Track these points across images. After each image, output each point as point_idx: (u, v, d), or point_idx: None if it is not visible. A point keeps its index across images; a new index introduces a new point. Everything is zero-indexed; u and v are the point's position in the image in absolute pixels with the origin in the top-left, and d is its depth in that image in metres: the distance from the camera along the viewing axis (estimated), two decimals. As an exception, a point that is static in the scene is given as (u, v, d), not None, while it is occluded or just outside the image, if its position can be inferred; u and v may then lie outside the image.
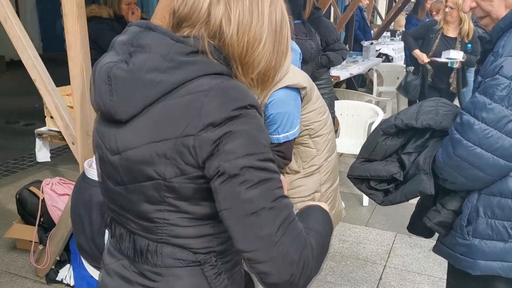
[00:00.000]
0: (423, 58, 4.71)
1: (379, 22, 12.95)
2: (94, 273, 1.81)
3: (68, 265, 3.00)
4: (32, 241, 3.08)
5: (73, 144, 2.78)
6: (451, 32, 4.59)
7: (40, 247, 3.00)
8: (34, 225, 3.11)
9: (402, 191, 1.64)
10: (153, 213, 1.00)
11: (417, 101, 4.18)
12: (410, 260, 3.40)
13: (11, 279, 3.08)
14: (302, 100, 2.15)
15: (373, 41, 8.03)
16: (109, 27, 3.54)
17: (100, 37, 3.39)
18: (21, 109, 7.04)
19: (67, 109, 2.81)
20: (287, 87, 2.05)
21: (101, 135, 1.07)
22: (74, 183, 3.17)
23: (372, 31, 9.36)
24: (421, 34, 4.84)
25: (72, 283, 2.96)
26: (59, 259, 2.99)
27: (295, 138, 2.16)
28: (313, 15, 4.04)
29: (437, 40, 4.66)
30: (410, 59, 6.19)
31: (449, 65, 4.53)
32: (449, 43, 4.62)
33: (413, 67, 6.58)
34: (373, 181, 1.74)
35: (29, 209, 3.22)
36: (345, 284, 3.11)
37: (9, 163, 5.20)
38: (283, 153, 2.16)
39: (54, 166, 5.06)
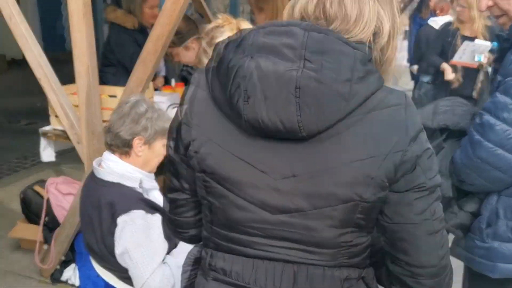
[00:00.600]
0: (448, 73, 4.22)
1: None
2: (103, 273, 1.78)
3: (73, 265, 2.96)
4: (36, 241, 3.05)
5: (78, 143, 2.74)
6: (468, 31, 4.12)
7: (45, 247, 2.97)
8: (39, 224, 3.08)
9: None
10: (337, 238, 0.93)
11: None
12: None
13: (15, 279, 3.05)
14: None
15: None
16: (131, 38, 3.48)
17: (121, 48, 3.36)
18: (23, 108, 7.00)
19: (72, 108, 2.77)
20: None
21: (245, 155, 0.92)
22: (79, 182, 3.15)
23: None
24: (438, 44, 4.45)
25: (77, 283, 2.92)
26: (64, 259, 2.96)
27: None
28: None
29: (458, 41, 4.14)
30: (414, 58, 6.15)
31: (475, 59, 3.84)
32: None
33: (416, 66, 6.56)
34: None
35: (34, 209, 3.19)
36: None
37: (12, 163, 5.17)
38: None
39: (57, 165, 5.01)
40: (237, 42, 0.90)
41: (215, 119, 0.93)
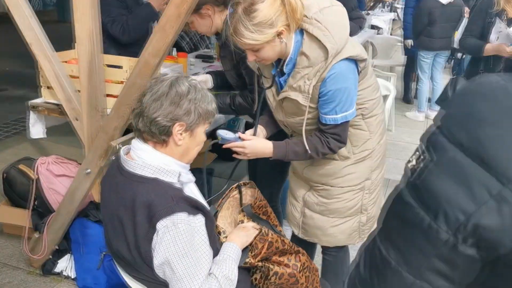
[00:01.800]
0: (505, 49, 3.11)
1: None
2: (132, 283, 1.49)
3: (68, 255, 2.65)
4: (23, 227, 2.72)
5: (76, 119, 2.40)
6: None
7: (36, 234, 2.63)
8: (24, 208, 2.74)
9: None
10: None
11: None
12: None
13: (0, 269, 2.72)
14: (359, 75, 1.86)
15: (369, 12, 7.72)
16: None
17: (104, 7, 2.98)
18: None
19: (69, 79, 2.41)
20: (347, 59, 1.75)
21: None
22: (73, 162, 2.80)
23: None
24: (478, 26, 3.35)
25: (73, 275, 2.63)
26: (57, 248, 2.64)
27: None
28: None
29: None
30: (414, 32, 5.92)
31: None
32: None
33: (410, 40, 6.34)
34: None
35: (19, 190, 2.83)
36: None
37: (-18, 134, 4.71)
38: (339, 136, 1.88)
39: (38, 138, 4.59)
40: None
41: None
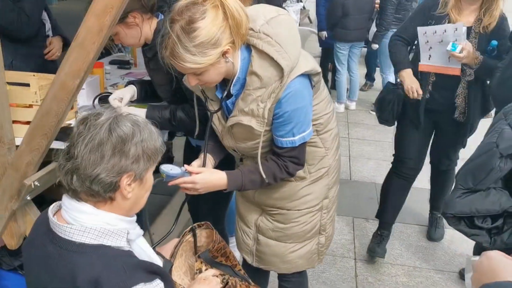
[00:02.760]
0: (415, 91, 2.63)
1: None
2: None
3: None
4: None
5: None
6: (464, 18, 2.55)
7: None
8: None
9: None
10: None
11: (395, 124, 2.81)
12: (377, 249, 3.17)
13: None
14: (312, 89, 1.69)
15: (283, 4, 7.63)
16: None
17: None
18: None
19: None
20: (301, 74, 1.57)
21: None
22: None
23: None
24: (414, 28, 2.64)
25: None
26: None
27: None
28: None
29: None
30: (328, 24, 5.92)
31: (449, 48, 2.43)
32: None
33: (324, 32, 6.36)
34: (478, 217, 1.34)
35: None
36: (322, 288, 2.78)
37: None
38: (297, 159, 1.70)
39: None
40: None
41: None
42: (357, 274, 2.90)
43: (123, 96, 2.11)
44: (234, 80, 1.57)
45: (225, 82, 1.62)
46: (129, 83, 2.26)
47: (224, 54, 1.47)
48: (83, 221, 1.11)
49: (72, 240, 1.10)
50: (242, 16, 1.47)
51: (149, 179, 1.21)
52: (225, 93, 1.61)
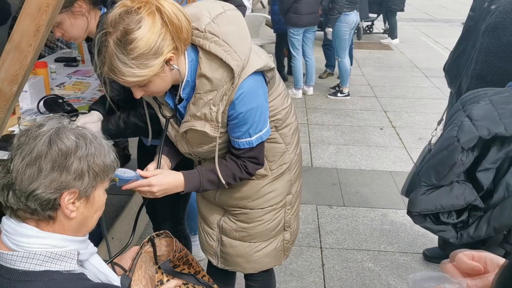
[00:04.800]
0: None
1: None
2: None
3: None
4: None
5: None
6: None
7: None
8: None
9: (489, 222, 1.26)
10: None
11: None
12: (342, 235, 3.18)
13: None
14: (267, 86, 1.62)
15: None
16: None
17: None
18: None
19: None
20: (254, 72, 1.50)
21: None
22: None
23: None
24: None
25: None
26: None
27: None
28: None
29: None
30: (281, 10, 5.84)
31: None
32: None
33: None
34: (443, 213, 1.32)
35: None
36: (290, 280, 2.75)
37: None
38: (256, 159, 1.64)
39: None
40: None
41: None
42: (324, 263, 2.89)
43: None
44: (183, 84, 1.49)
45: (174, 87, 1.53)
46: (90, 109, 2.07)
47: (167, 61, 1.38)
48: (26, 246, 1.02)
49: (15, 268, 1.00)
50: (182, 20, 1.37)
51: (99, 198, 1.11)
52: (177, 98, 1.52)
